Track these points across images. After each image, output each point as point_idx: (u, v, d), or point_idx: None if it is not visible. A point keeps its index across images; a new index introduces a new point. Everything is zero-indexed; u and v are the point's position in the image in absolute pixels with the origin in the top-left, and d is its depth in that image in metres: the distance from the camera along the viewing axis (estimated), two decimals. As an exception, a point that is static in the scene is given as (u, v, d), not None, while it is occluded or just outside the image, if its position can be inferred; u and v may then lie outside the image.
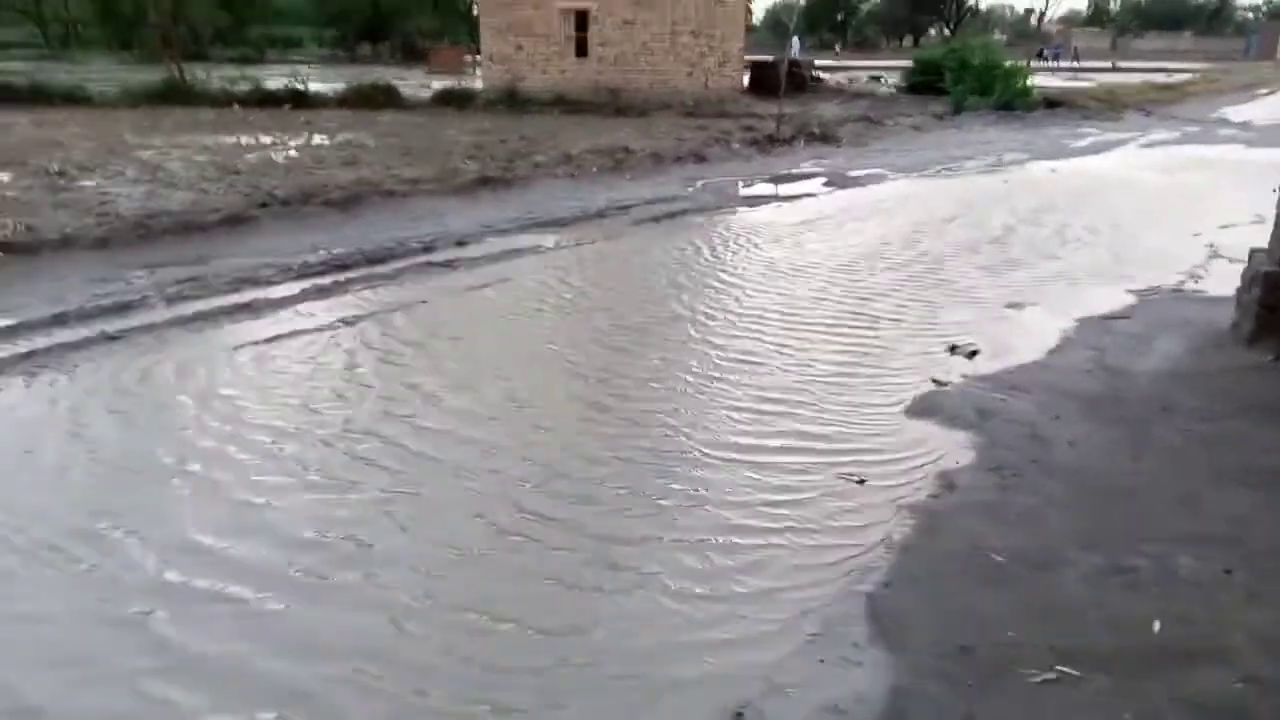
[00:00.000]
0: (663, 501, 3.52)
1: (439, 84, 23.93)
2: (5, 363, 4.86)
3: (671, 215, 9.31)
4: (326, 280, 6.55)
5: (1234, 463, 3.66)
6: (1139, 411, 4.24)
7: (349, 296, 6.24)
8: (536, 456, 3.88)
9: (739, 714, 2.45)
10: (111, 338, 5.26)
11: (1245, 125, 18.77)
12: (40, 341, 5.17)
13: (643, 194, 10.32)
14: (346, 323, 5.65)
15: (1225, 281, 6.60)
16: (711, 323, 5.72)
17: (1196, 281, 6.72)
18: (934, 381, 4.75)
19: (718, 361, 5.02)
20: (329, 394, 4.54)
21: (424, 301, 6.14)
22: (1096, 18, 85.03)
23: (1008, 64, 21.94)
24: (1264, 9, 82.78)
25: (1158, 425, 4.08)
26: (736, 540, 3.26)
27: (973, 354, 5.16)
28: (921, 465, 3.85)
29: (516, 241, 8.06)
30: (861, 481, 3.71)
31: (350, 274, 6.75)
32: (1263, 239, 8.18)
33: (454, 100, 20.61)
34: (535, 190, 10.29)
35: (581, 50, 22.81)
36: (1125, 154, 14.40)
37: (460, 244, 7.86)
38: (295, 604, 2.90)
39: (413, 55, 43.89)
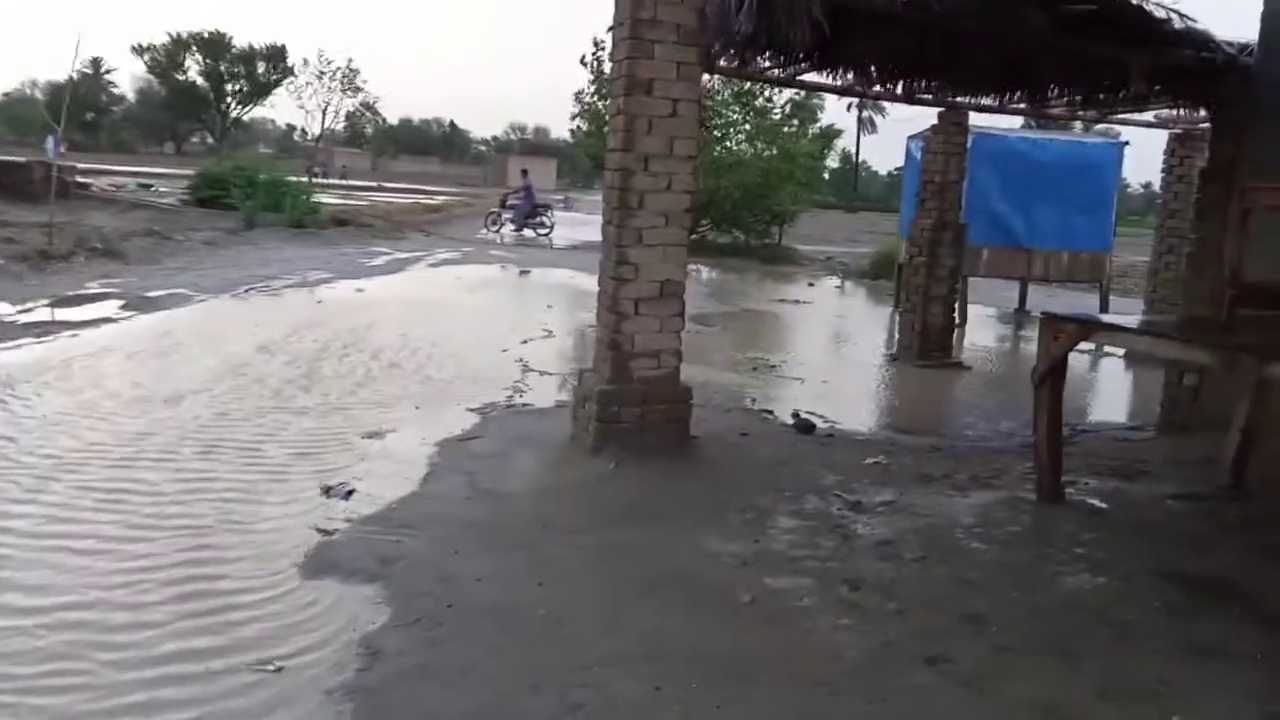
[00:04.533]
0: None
1: None
2: None
3: (-76, 352, 7.42)
4: None
5: (624, 573, 4.00)
6: (526, 534, 4.43)
7: None
8: None
9: None
10: None
11: (507, 246, 21.69)
12: None
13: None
14: None
15: (544, 394, 7.42)
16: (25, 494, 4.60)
17: (521, 395, 7.37)
18: (319, 531, 4.41)
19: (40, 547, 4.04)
20: None
21: None
22: (355, 139, 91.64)
23: (293, 180, 22.34)
24: (493, 143, 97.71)
25: (547, 545, 4.30)
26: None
27: (349, 493, 4.92)
28: (336, 634, 3.49)
29: None
30: (279, 669, 3.24)
31: None
32: (556, 350, 9.47)
33: None
34: None
35: None
36: (419, 273, 15.54)
37: None
38: None
39: None
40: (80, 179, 23.30)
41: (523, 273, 16.63)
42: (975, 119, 10.20)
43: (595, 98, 25.49)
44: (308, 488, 4.97)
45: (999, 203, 12.84)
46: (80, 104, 69.46)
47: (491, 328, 10.35)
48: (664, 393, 5.54)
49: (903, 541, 4.51)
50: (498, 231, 24.63)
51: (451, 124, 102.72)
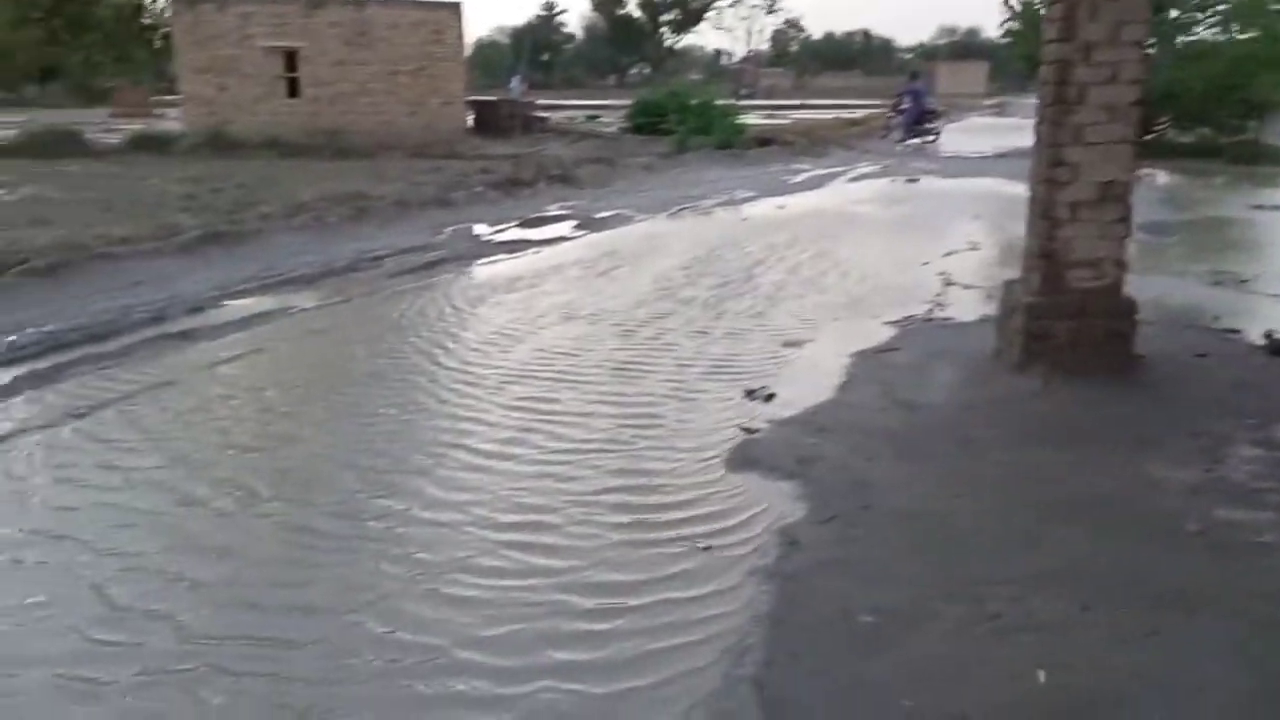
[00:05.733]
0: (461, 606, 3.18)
1: (129, 128, 21.89)
2: None
3: (428, 266, 8.87)
4: (44, 364, 5.59)
5: (1048, 492, 3.82)
6: (943, 446, 4.38)
7: (74, 383, 5.34)
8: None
9: None
10: None
11: (932, 156, 20.86)
12: None
13: (392, 243, 9.79)
14: (77, 415, 4.81)
15: (966, 308, 7.12)
16: (497, 387, 5.38)
17: (942, 309, 7.15)
18: (743, 430, 4.69)
19: (518, 434, 4.72)
20: (86, 510, 3.80)
21: (169, 383, 5.37)
22: (779, 58, 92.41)
23: (720, 103, 23.19)
24: (920, 49, 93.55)
25: (966, 459, 4.22)
26: (598, 626, 2.98)
27: (770, 397, 5.16)
28: (759, 522, 3.74)
29: (261, 304, 7.33)
30: (707, 548, 3.55)
31: (72, 354, 5.81)
32: (982, 263, 9.03)
33: (151, 145, 18.91)
34: (271, 244, 9.47)
35: (293, 91, 21.66)
36: (839, 187, 15.50)
37: (195, 311, 7.04)
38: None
39: (91, 96, 40.01)
40: (539, 114, 26.09)
41: (910, 181, 15.95)
42: None
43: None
44: (732, 390, 5.29)
45: None
46: (537, 45, 77.09)
47: (912, 240, 10.11)
48: (1103, 305, 5.10)
49: (1405, 482, 3.82)
50: (891, 140, 23.53)
51: (865, 34, 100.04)
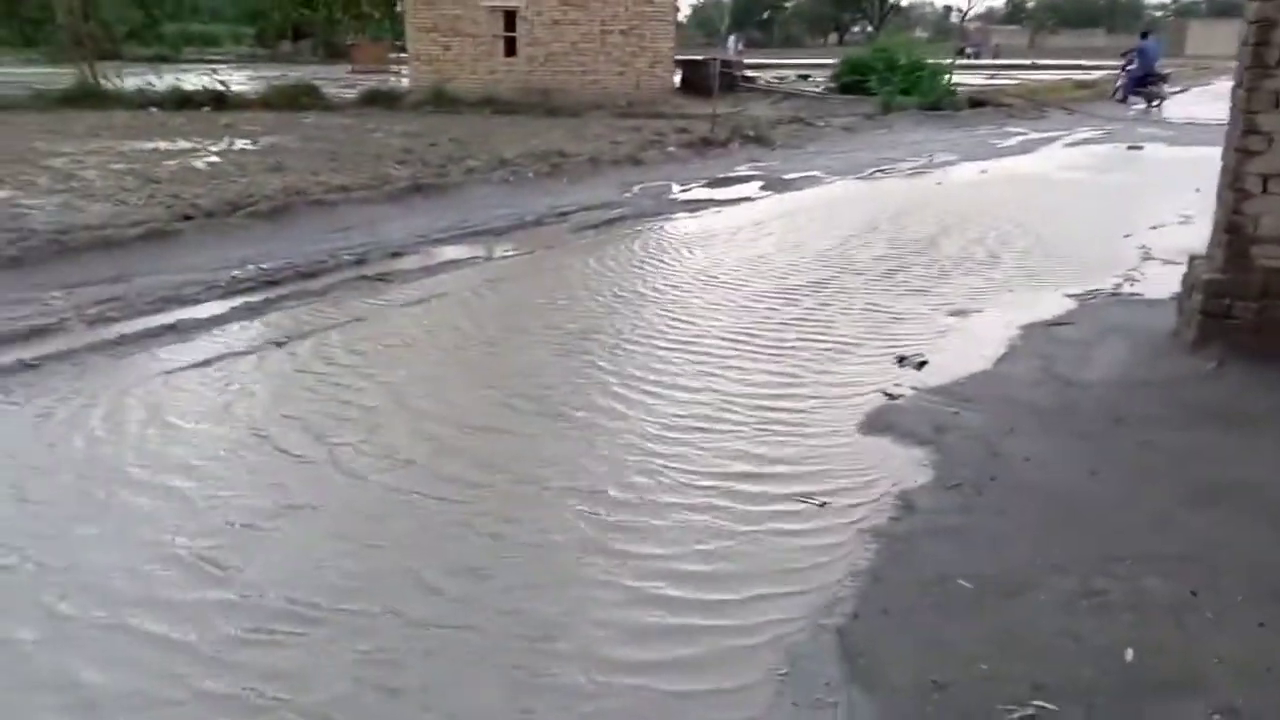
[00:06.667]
0: (601, 532, 3.40)
1: (364, 83, 23.49)
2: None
3: (609, 222, 9.19)
4: (257, 298, 6.28)
5: (1191, 476, 3.66)
6: (1093, 424, 4.24)
7: (280, 315, 5.99)
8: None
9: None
10: (29, 365, 4.96)
11: (1162, 122, 19.32)
12: (-52, 373, 4.85)
13: (580, 200, 10.19)
14: (278, 344, 5.41)
15: (1160, 284, 6.69)
16: (650, 342, 5.58)
17: (1132, 284, 6.78)
18: (885, 395, 4.70)
19: (668, 380, 4.92)
20: (268, 425, 4.32)
21: (359, 319, 5.92)
22: (1014, 15, 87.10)
23: (931, 62, 22.34)
24: (1172, 7, 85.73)
25: (1113, 438, 4.08)
26: (700, 568, 3.15)
27: (921, 364, 5.12)
28: (880, 485, 3.78)
29: (452, 252, 7.87)
30: (823, 504, 3.64)
31: (281, 290, 6.49)
32: (1191, 239, 8.39)
33: (380, 101, 20.24)
34: (470, 197, 10.08)
35: (510, 50, 22.54)
36: (1052, 153, 14.68)
37: (395, 255, 7.65)
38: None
39: (334, 53, 43.06)
40: (746, 73, 25.94)
41: (1132, 148, 14.84)
42: None
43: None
44: (885, 355, 5.28)
45: None
46: (757, 2, 76.15)
47: (1118, 211, 9.53)
48: (1292, 287, 4.72)
49: None
50: (1117, 101, 22.04)
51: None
